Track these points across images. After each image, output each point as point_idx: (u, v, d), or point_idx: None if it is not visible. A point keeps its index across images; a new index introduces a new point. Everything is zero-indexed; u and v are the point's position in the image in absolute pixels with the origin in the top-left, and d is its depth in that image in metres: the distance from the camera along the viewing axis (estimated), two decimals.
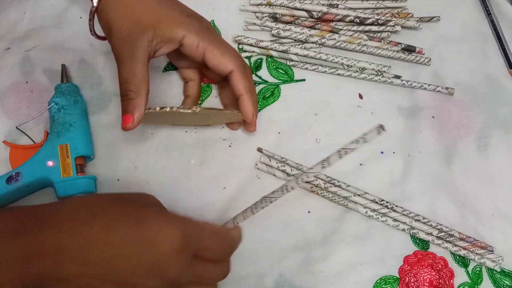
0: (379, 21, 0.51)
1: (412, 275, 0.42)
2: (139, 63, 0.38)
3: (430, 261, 0.43)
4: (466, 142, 0.49)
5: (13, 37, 0.47)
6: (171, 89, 0.47)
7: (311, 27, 0.51)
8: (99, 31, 0.41)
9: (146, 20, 0.38)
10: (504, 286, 0.43)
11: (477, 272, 0.43)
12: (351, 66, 0.50)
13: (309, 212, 0.44)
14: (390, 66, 0.50)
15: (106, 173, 0.43)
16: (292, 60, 0.50)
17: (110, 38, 0.39)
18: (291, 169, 0.45)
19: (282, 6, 0.51)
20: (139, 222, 0.29)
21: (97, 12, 0.39)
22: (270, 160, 0.45)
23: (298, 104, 0.48)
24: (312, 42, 0.50)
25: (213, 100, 0.47)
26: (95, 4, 0.38)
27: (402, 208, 0.44)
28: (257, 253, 0.42)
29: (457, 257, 0.44)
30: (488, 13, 0.56)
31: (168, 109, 0.39)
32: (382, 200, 0.44)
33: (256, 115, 0.43)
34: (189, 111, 0.39)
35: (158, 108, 0.39)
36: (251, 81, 0.43)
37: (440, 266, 0.43)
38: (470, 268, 0.43)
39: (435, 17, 0.54)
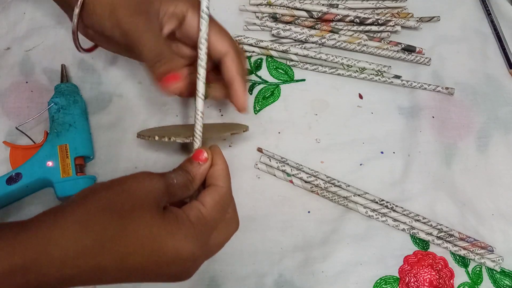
0: (379, 21, 0.51)
1: (412, 275, 0.42)
2: (158, 30, 0.36)
3: (430, 261, 0.43)
4: (466, 142, 0.49)
5: (13, 37, 0.47)
6: None
7: (311, 27, 0.51)
8: (84, 43, 0.40)
9: None
10: (504, 286, 0.43)
11: (477, 272, 0.43)
12: (351, 66, 0.50)
13: (309, 212, 0.44)
14: (390, 66, 0.50)
15: (106, 173, 0.43)
16: (292, 60, 0.50)
17: (116, 17, 0.35)
18: (291, 169, 0.45)
19: (282, 6, 0.51)
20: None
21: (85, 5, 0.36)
22: (270, 160, 0.45)
23: (298, 104, 0.48)
24: (312, 42, 0.50)
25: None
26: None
27: (402, 208, 0.44)
28: (257, 253, 0.42)
29: (457, 257, 0.44)
30: (488, 13, 0.56)
31: (166, 140, 0.38)
32: (382, 200, 0.44)
33: (247, 100, 0.41)
34: (188, 141, 0.38)
35: (157, 138, 0.38)
36: (245, 67, 0.40)
37: (440, 266, 0.43)
38: (470, 268, 0.43)
39: (435, 17, 0.54)
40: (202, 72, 0.35)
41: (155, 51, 0.35)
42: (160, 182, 0.30)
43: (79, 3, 0.36)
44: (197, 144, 0.35)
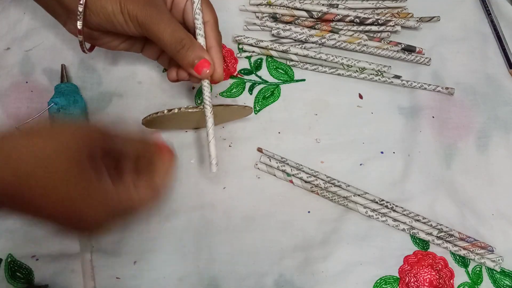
0: (379, 21, 0.51)
1: (412, 275, 0.42)
2: (171, 15, 0.36)
3: (430, 261, 0.43)
4: (466, 142, 0.49)
5: (13, 37, 0.47)
6: (172, 89, 0.47)
7: (311, 27, 0.51)
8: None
9: None
10: (504, 286, 0.43)
11: (477, 272, 0.43)
12: (351, 66, 0.50)
13: (309, 212, 0.44)
14: (390, 66, 0.50)
15: None
16: (292, 60, 0.50)
17: (127, 11, 0.35)
18: (291, 169, 0.45)
19: (282, 6, 0.51)
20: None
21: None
22: (270, 160, 0.45)
23: (298, 104, 0.48)
24: (312, 42, 0.50)
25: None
26: (80, 10, 0.36)
27: (402, 208, 0.44)
28: (257, 253, 0.42)
29: (457, 257, 0.44)
30: (488, 13, 0.56)
31: (176, 111, 0.38)
32: (382, 200, 0.44)
33: (222, 68, 0.40)
34: (198, 109, 0.38)
35: (166, 111, 0.38)
36: (220, 36, 0.41)
37: (440, 266, 0.43)
38: (470, 268, 0.43)
39: (435, 17, 0.54)
40: (202, 40, 0.37)
41: (175, 37, 0.36)
42: (96, 132, 0.29)
43: (82, 1, 0.36)
44: (208, 110, 0.37)
